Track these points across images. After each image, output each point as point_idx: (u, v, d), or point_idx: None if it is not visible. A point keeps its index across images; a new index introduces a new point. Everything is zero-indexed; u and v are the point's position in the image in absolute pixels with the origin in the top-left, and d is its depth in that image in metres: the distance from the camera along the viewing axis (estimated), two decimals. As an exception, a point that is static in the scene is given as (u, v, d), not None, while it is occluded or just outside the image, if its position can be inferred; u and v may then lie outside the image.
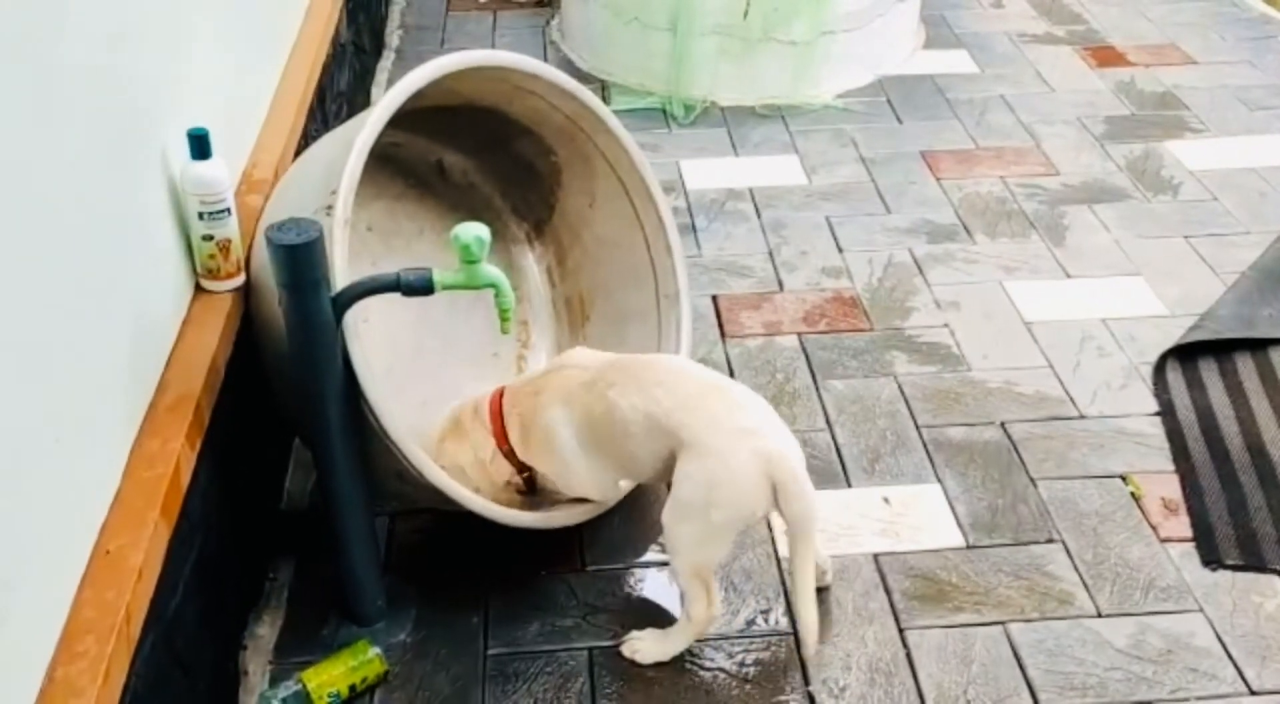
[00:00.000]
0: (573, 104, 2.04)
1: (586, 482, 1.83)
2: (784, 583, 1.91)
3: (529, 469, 1.88)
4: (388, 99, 1.72)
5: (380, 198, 2.16)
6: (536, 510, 1.88)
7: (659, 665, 1.77)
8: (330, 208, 1.59)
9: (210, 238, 1.67)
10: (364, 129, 1.66)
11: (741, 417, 1.65)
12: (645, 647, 1.77)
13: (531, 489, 1.93)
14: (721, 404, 1.67)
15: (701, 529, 1.65)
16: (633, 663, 1.77)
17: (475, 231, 1.46)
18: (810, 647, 1.71)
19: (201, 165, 1.62)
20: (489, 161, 2.25)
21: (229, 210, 1.66)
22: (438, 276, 1.50)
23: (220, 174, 1.65)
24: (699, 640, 1.79)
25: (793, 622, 1.83)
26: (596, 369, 1.79)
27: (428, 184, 2.25)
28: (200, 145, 1.61)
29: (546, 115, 2.08)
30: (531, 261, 2.34)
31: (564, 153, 2.18)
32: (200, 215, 1.65)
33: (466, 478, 1.83)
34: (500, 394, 1.87)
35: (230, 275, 1.72)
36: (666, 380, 1.70)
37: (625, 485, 1.94)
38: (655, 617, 1.85)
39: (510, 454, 1.85)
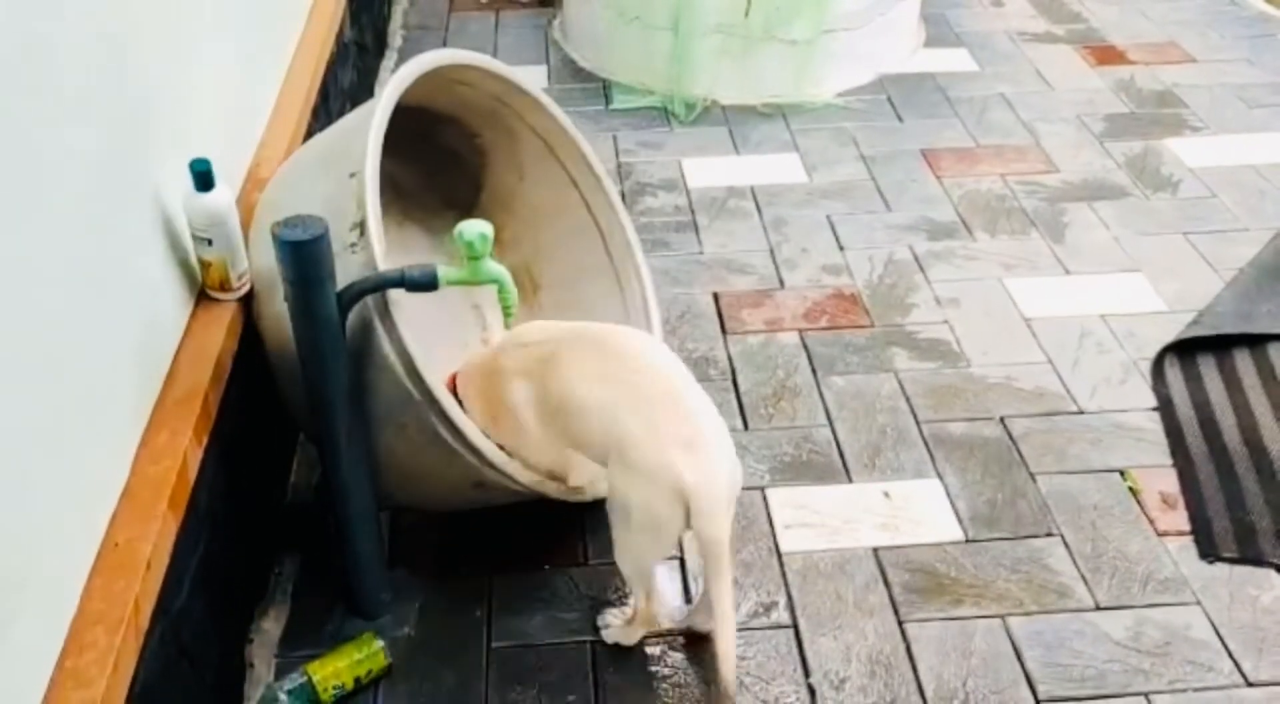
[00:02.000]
0: (498, 84, 2.07)
1: (546, 456, 1.79)
2: (785, 576, 1.92)
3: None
4: (397, 79, 1.76)
5: None
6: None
7: (660, 658, 1.79)
8: (354, 174, 1.61)
9: (196, 253, 1.69)
10: (380, 101, 1.70)
11: (684, 430, 1.59)
12: (614, 627, 1.81)
13: None
14: (666, 415, 1.61)
15: (627, 532, 1.65)
16: (633, 650, 1.78)
17: (479, 229, 1.47)
18: (729, 686, 1.57)
19: (203, 197, 1.61)
20: (412, 157, 2.26)
21: (210, 242, 1.65)
22: (442, 273, 1.51)
23: (218, 206, 1.63)
24: (701, 632, 1.81)
25: (794, 614, 1.85)
26: (556, 342, 1.75)
27: None
28: (203, 179, 1.60)
29: (470, 100, 2.11)
30: None
31: (488, 134, 2.21)
32: (192, 236, 1.67)
33: None
34: (452, 379, 1.85)
35: (211, 289, 1.72)
36: (627, 375, 1.66)
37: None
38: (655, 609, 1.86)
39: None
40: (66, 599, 1.26)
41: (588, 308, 1.99)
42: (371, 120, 1.67)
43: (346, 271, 1.54)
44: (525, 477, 1.73)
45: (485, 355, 1.86)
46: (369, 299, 1.55)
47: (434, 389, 1.58)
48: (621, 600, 1.88)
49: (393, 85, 1.76)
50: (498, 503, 1.87)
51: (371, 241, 1.57)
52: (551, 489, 1.81)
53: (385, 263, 1.57)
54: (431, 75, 1.88)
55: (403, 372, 1.58)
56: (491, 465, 1.67)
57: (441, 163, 2.28)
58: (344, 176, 1.64)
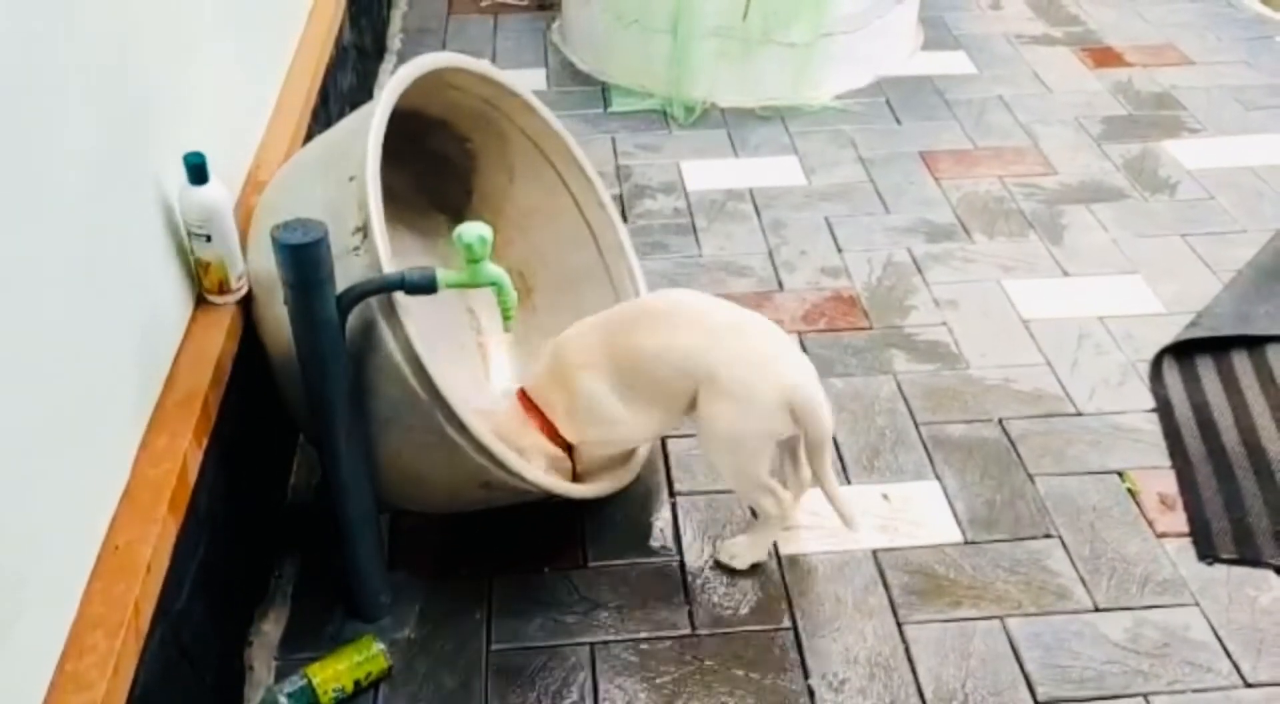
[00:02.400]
0: (490, 88, 2.09)
1: (635, 430, 1.89)
2: (784, 578, 1.93)
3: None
4: (394, 81, 1.78)
5: None
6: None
7: (659, 660, 1.79)
8: (354, 177, 1.63)
9: (193, 253, 1.69)
10: (378, 103, 1.72)
11: (762, 347, 1.78)
12: (740, 551, 1.92)
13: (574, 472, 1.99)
14: (740, 340, 1.78)
15: (737, 457, 1.80)
16: (634, 666, 1.79)
17: (478, 231, 1.48)
18: (852, 521, 1.87)
19: (197, 191, 1.62)
20: (403, 161, 2.25)
21: (209, 238, 1.65)
22: (441, 275, 1.52)
23: (213, 200, 1.63)
24: (701, 634, 1.81)
25: (793, 616, 1.85)
26: (604, 325, 1.87)
27: None
28: (197, 171, 1.60)
29: (461, 104, 2.11)
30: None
31: (478, 137, 2.22)
32: (187, 233, 1.66)
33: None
34: (523, 395, 1.93)
35: (210, 292, 1.72)
36: (688, 319, 1.80)
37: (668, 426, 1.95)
38: (657, 612, 1.87)
39: (560, 441, 1.91)
40: (66, 602, 1.27)
41: (583, 310, 1.99)
42: (370, 122, 1.67)
43: (349, 274, 1.54)
44: (533, 475, 1.74)
45: (545, 365, 1.92)
46: (373, 300, 1.55)
47: (442, 389, 1.58)
48: (619, 603, 1.88)
49: (390, 88, 1.76)
50: (502, 503, 1.88)
51: (376, 244, 1.57)
52: (558, 487, 1.82)
53: (389, 266, 1.57)
54: (426, 78, 1.88)
55: (410, 372, 1.58)
56: (501, 465, 1.67)
57: (432, 167, 2.29)
58: (344, 180, 1.65)
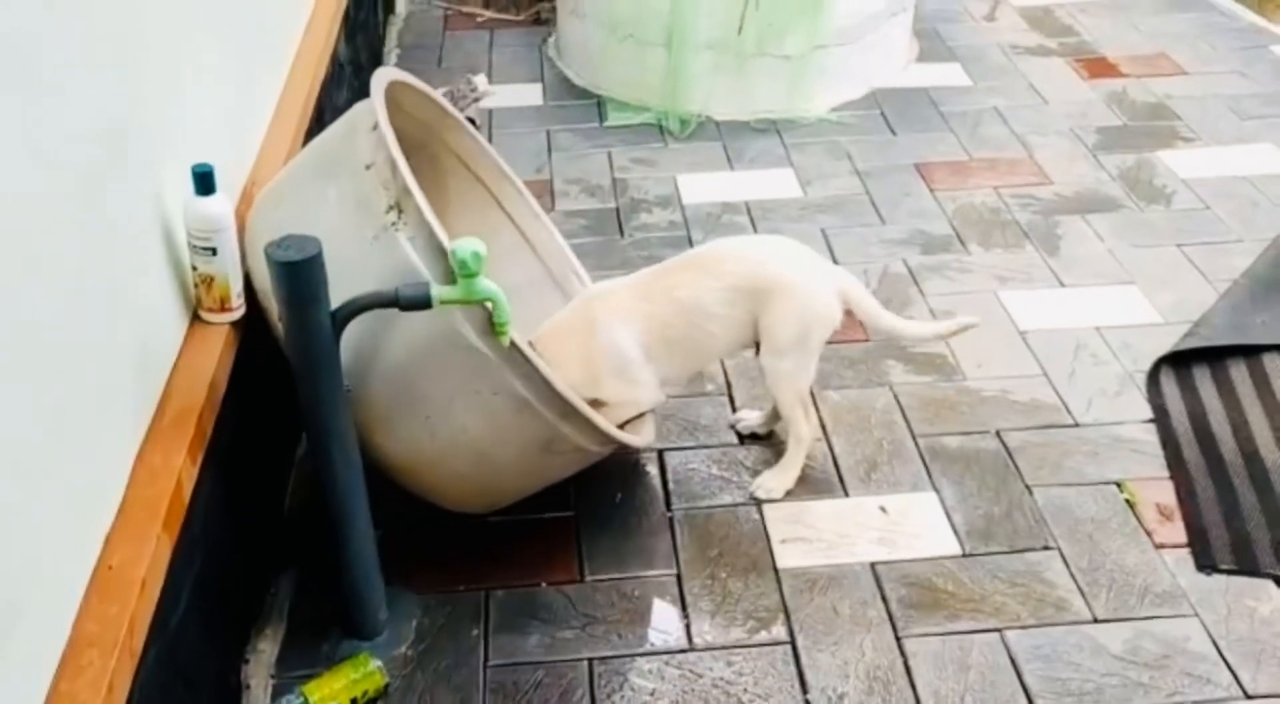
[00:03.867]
0: (433, 110, 2.13)
1: (651, 390, 2.00)
2: (782, 592, 1.92)
3: None
4: (379, 79, 1.82)
5: None
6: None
7: (658, 676, 1.78)
8: (370, 165, 1.67)
9: (195, 269, 1.69)
10: (374, 97, 1.76)
11: (803, 259, 2.03)
12: (771, 483, 2.09)
13: None
14: (784, 256, 2.02)
15: (799, 359, 2.00)
16: (636, 687, 1.78)
17: (472, 247, 1.48)
18: (946, 328, 2.14)
19: (203, 201, 1.63)
20: None
21: (214, 251, 1.65)
22: (436, 291, 1.52)
23: (220, 211, 1.64)
24: (699, 649, 1.81)
25: (791, 630, 1.85)
26: (639, 279, 2.00)
27: None
28: (205, 182, 1.62)
29: (401, 131, 2.12)
30: None
31: (412, 163, 2.23)
32: (190, 245, 1.66)
33: None
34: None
35: (212, 310, 1.72)
36: (731, 256, 2.00)
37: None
38: (655, 627, 1.86)
39: None
40: (61, 622, 1.26)
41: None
42: (371, 117, 1.70)
43: (392, 252, 1.60)
44: (603, 422, 1.79)
45: (567, 318, 1.99)
46: (424, 267, 1.59)
47: (519, 345, 1.63)
48: (616, 618, 1.88)
49: (377, 81, 1.81)
50: (551, 481, 1.92)
51: (420, 208, 1.60)
52: (622, 436, 1.87)
53: (439, 227, 1.61)
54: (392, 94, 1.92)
55: (475, 335, 1.62)
56: (573, 411, 1.72)
57: None
58: (358, 171, 1.68)
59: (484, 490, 1.91)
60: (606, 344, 1.92)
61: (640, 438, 2.03)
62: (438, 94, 2.13)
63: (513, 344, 1.63)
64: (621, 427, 1.97)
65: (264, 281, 1.63)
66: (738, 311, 1.96)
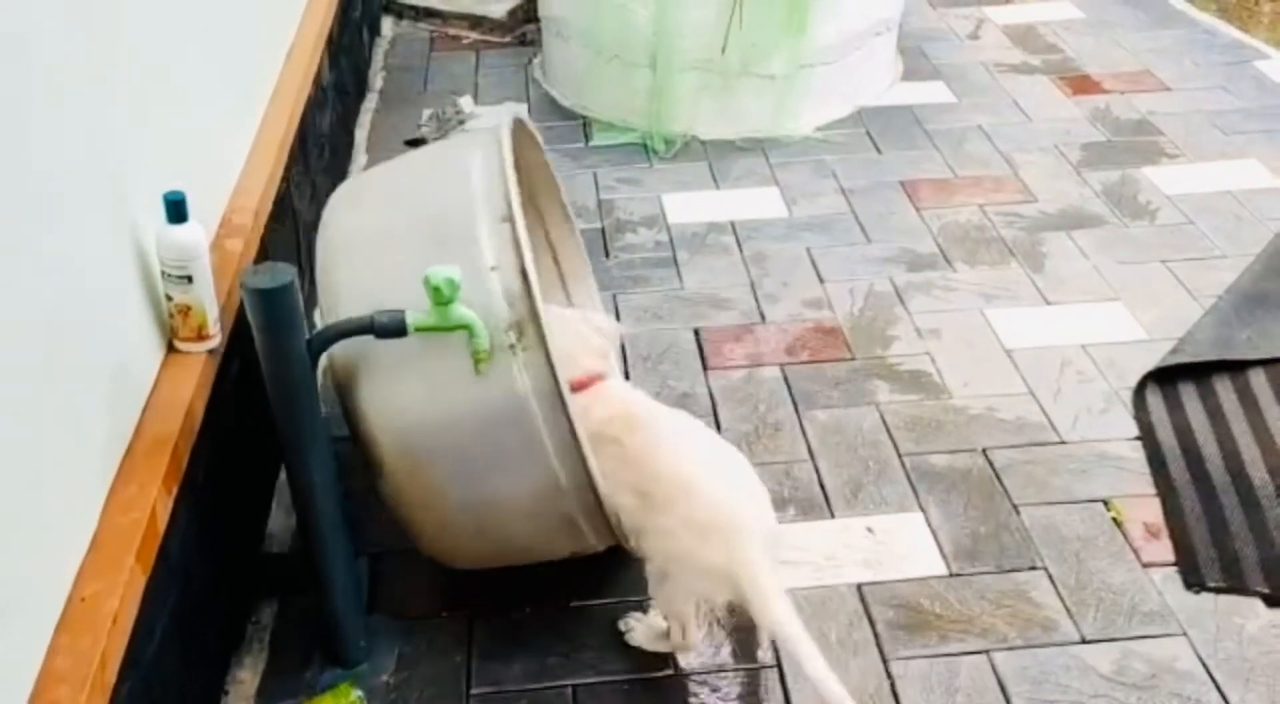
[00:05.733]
0: (534, 154, 2.08)
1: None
2: (767, 615, 1.91)
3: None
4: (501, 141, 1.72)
5: None
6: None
7: (643, 701, 1.76)
8: (495, 268, 1.58)
9: (170, 298, 1.67)
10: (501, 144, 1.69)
11: (717, 512, 1.64)
12: (638, 630, 1.85)
13: None
14: (695, 500, 1.65)
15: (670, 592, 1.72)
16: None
17: (445, 273, 1.47)
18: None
19: (176, 230, 1.61)
20: None
21: (190, 279, 1.64)
22: (411, 318, 1.51)
23: (193, 239, 1.62)
24: (684, 675, 1.79)
25: (777, 653, 1.83)
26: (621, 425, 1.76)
27: None
28: (177, 210, 1.60)
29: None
30: None
31: None
32: (163, 274, 1.65)
33: None
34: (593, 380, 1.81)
35: (189, 339, 1.70)
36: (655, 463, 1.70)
37: None
38: (640, 652, 1.84)
39: None
40: (31, 657, 1.24)
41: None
42: (509, 204, 1.59)
43: (509, 377, 1.55)
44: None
45: (639, 413, 1.81)
46: (536, 404, 1.55)
47: (591, 467, 1.59)
48: (600, 644, 1.86)
49: (503, 146, 1.69)
50: (560, 554, 1.83)
51: (546, 337, 1.53)
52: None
53: (561, 371, 1.56)
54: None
55: (536, 397, 1.56)
56: (609, 528, 1.68)
57: None
58: (482, 270, 1.55)
59: (481, 558, 1.87)
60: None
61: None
62: (541, 141, 2.06)
63: (589, 472, 1.59)
64: None
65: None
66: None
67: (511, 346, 1.55)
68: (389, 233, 1.71)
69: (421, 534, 1.77)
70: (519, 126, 1.91)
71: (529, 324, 1.54)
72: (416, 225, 1.69)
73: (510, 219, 1.57)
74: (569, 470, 1.62)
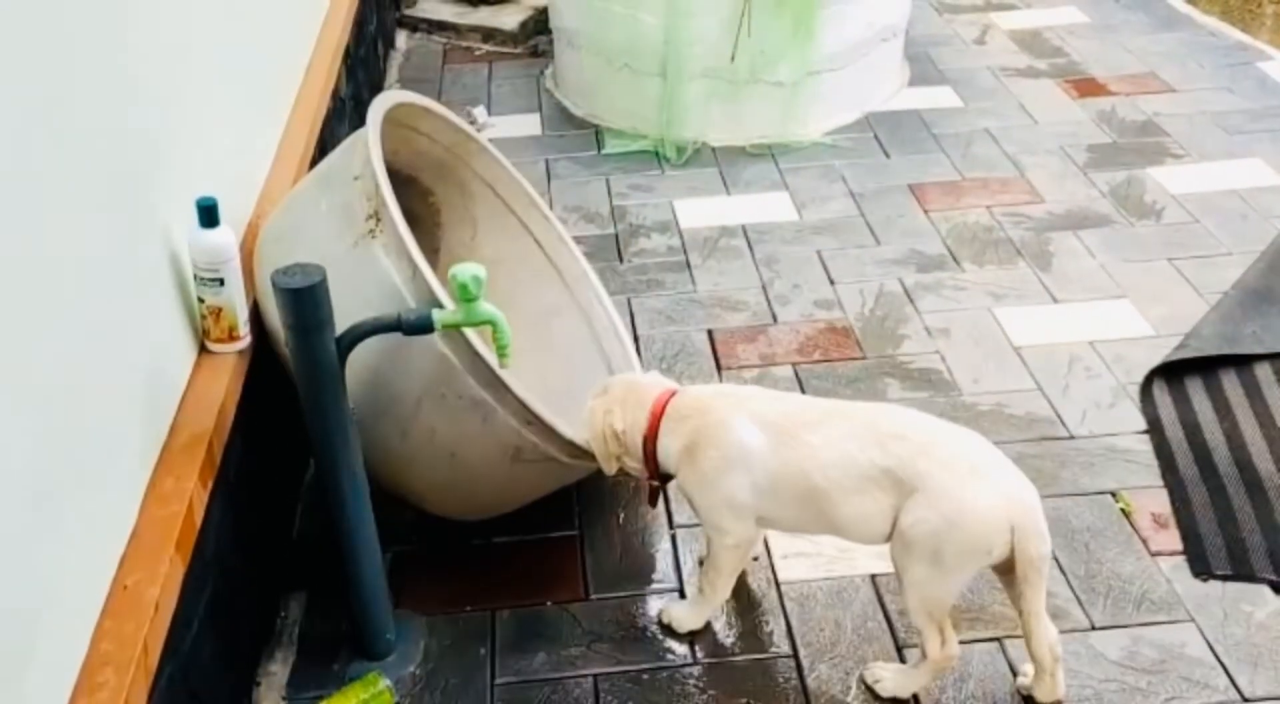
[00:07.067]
0: (454, 135, 2.18)
1: (742, 525, 1.77)
2: (784, 605, 1.95)
3: (660, 479, 1.83)
4: (378, 102, 1.90)
5: None
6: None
7: (662, 690, 1.81)
8: (358, 176, 1.76)
9: (202, 301, 1.73)
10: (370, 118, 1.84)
11: (976, 460, 1.64)
12: (887, 679, 1.78)
13: (653, 501, 1.95)
14: (953, 451, 1.65)
15: (932, 570, 1.63)
16: (641, 683, 1.81)
17: (472, 271, 1.52)
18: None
19: (208, 234, 1.68)
20: None
21: (222, 282, 1.70)
22: (437, 315, 1.56)
23: (224, 242, 1.70)
24: (703, 664, 1.83)
25: (794, 642, 1.87)
26: (790, 417, 1.72)
27: None
28: (209, 215, 1.67)
29: (427, 155, 2.19)
30: None
31: (441, 190, 2.30)
32: (195, 278, 1.71)
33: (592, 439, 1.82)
34: (669, 397, 1.79)
35: (221, 340, 1.76)
36: (898, 431, 1.67)
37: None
38: (658, 642, 1.89)
39: (651, 456, 1.79)
40: (78, 641, 1.30)
41: (554, 342, 2.06)
42: (364, 133, 1.78)
43: (370, 259, 1.68)
44: (568, 431, 1.81)
45: (709, 393, 1.82)
46: (396, 278, 1.66)
47: (476, 347, 1.68)
48: (621, 636, 1.90)
49: (378, 103, 1.87)
50: (531, 492, 1.93)
51: (392, 218, 1.68)
52: (597, 457, 1.81)
53: (407, 233, 1.68)
54: (400, 126, 1.97)
55: (440, 340, 1.67)
56: (535, 417, 1.75)
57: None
58: (348, 181, 1.76)
59: (464, 496, 1.95)
60: (728, 446, 1.71)
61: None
62: (455, 116, 2.17)
63: (474, 350, 1.68)
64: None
65: (271, 302, 1.68)
66: (872, 498, 1.65)
67: (371, 232, 1.73)
68: (296, 193, 1.99)
69: (408, 490, 1.89)
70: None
71: (382, 209, 1.71)
72: (312, 178, 1.98)
73: (363, 140, 1.77)
74: (453, 346, 1.69)
